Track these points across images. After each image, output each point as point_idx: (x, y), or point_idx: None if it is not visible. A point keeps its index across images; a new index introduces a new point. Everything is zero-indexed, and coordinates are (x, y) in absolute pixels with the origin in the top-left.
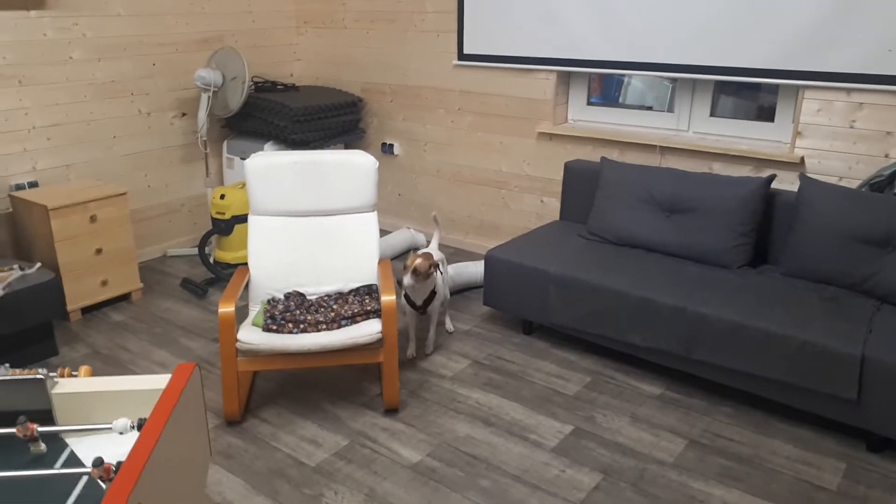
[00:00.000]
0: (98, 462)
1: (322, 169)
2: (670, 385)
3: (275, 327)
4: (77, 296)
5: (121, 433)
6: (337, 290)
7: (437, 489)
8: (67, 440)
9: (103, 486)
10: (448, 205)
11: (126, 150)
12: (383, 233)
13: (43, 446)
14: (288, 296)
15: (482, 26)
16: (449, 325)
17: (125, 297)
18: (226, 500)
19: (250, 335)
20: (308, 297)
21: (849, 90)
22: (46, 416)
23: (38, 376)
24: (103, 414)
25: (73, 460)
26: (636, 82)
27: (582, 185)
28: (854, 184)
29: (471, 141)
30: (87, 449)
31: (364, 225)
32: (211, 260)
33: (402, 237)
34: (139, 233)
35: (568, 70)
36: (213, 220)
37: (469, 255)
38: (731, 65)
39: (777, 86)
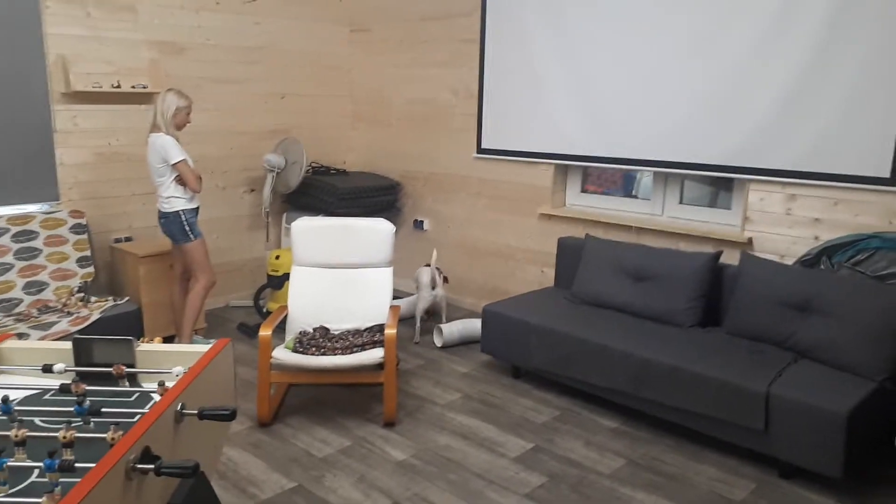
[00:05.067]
0: (161, 383)
1: (350, 232)
2: (625, 421)
3: (301, 350)
4: (153, 328)
5: (177, 375)
6: (355, 327)
7: (413, 478)
8: (143, 383)
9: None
10: (466, 273)
11: (203, 216)
12: (407, 294)
13: (127, 382)
14: (316, 329)
15: (496, 127)
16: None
17: None
18: (250, 475)
19: (282, 354)
20: (332, 331)
21: (784, 184)
22: (131, 366)
23: (129, 338)
24: (167, 365)
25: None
26: (647, 179)
27: (571, 257)
28: (791, 261)
29: (485, 219)
30: (156, 386)
31: (381, 277)
32: (264, 310)
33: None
34: None
35: (563, 163)
36: (269, 276)
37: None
38: (694, 161)
39: (731, 179)
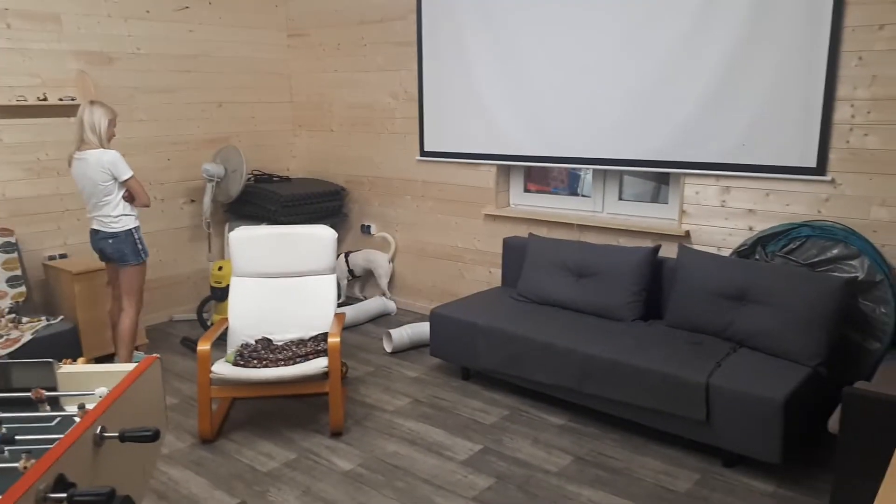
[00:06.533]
0: (81, 406)
1: (291, 239)
2: (572, 417)
3: (242, 363)
4: (92, 346)
5: (100, 396)
6: (299, 336)
7: (359, 488)
8: (66, 406)
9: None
10: (415, 276)
11: (143, 229)
12: (357, 301)
13: (48, 407)
14: (258, 341)
15: (438, 129)
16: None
17: None
18: (191, 493)
19: (222, 368)
20: (275, 342)
21: (718, 176)
22: (52, 389)
23: (49, 360)
24: (92, 386)
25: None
26: (590, 177)
27: (516, 256)
28: (728, 252)
29: (432, 222)
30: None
31: (324, 284)
32: (209, 323)
33: (375, 304)
34: (149, 299)
35: (505, 164)
36: (212, 288)
37: None
38: (630, 157)
39: (667, 174)
